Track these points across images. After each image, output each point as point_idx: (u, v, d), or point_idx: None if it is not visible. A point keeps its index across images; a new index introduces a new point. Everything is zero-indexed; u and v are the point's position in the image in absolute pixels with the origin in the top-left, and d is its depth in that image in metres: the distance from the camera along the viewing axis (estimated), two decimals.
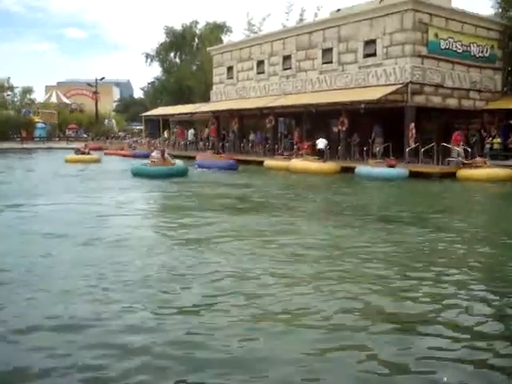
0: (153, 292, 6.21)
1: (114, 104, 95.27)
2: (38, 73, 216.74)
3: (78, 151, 32.45)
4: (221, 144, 35.45)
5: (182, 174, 22.13)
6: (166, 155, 22.99)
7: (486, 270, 7.58)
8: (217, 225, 10.60)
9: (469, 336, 4.99)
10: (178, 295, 6.13)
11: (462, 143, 23.42)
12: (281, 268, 7.25)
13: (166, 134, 45.24)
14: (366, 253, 8.17)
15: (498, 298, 6.17)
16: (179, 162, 23.87)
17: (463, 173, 21.38)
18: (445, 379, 4.11)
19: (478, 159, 22.27)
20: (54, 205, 13.45)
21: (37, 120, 67.05)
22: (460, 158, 22.78)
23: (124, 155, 38.65)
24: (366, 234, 9.82)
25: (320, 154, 25.82)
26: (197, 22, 63.87)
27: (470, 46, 27.41)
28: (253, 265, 7.37)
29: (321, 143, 26.31)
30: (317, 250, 8.35)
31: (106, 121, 75.64)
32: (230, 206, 13.88)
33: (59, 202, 13.86)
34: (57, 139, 64.86)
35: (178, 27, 63.44)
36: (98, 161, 31.38)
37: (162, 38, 64.64)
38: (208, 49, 43.20)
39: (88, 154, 32.21)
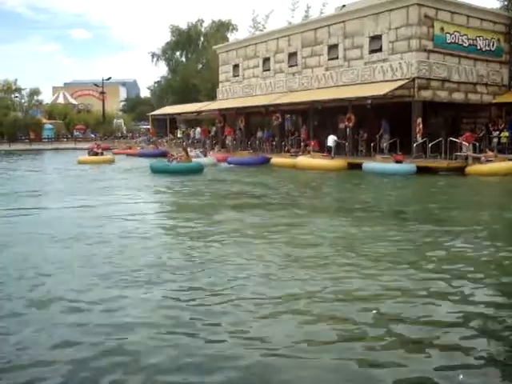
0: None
1: (121, 104, 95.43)
2: (44, 74, 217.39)
3: (90, 151, 31.86)
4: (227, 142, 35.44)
5: (198, 171, 23.25)
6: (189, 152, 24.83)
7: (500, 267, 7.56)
8: (230, 222, 10.72)
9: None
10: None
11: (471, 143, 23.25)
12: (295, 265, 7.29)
13: (179, 134, 45.11)
14: (377, 249, 8.20)
15: None
16: (210, 159, 27.65)
17: (472, 168, 21.31)
18: (461, 376, 4.11)
19: (490, 153, 22.14)
20: (105, 205, 13.50)
21: (45, 121, 67.35)
22: (470, 153, 22.66)
23: (131, 154, 38.91)
24: (378, 230, 9.82)
25: (329, 151, 26.04)
26: (202, 21, 63.98)
27: (476, 39, 27.27)
28: (270, 267, 7.37)
29: (330, 140, 26.37)
30: (331, 247, 8.38)
31: (115, 121, 75.83)
32: (241, 204, 13.94)
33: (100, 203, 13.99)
34: (64, 140, 65.07)
35: (183, 26, 63.59)
36: (111, 161, 30.88)
37: (168, 37, 64.82)
38: (214, 47, 43.23)
39: (101, 154, 31.70)
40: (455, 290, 6.21)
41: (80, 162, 30.11)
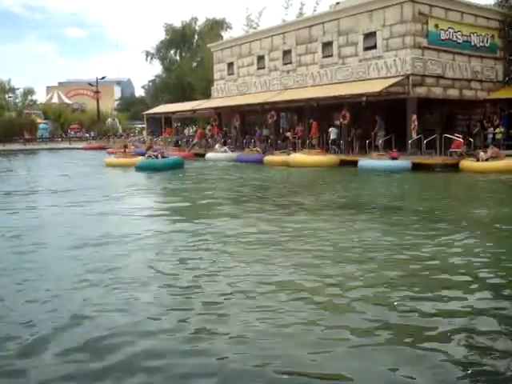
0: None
1: (116, 103, 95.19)
2: (39, 73, 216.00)
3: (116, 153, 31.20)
4: (223, 140, 35.38)
5: (179, 165, 24.87)
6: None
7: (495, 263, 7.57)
8: (225, 222, 10.69)
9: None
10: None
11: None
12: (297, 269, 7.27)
13: (188, 131, 44.93)
14: (376, 246, 8.20)
15: None
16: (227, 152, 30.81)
17: (465, 164, 21.33)
18: None
19: (496, 149, 21.88)
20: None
21: (39, 121, 67.14)
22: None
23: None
24: (375, 228, 9.81)
25: (334, 144, 27.07)
26: (196, 19, 64.02)
27: (470, 36, 27.31)
28: (270, 270, 7.31)
29: (333, 133, 26.62)
30: (332, 247, 8.33)
31: (109, 120, 75.68)
32: (235, 201, 13.92)
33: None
34: (59, 140, 64.89)
35: (177, 24, 63.58)
36: None
37: (162, 35, 64.75)
38: (208, 45, 43.15)
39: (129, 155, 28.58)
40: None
41: (108, 165, 27.94)
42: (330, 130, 27.98)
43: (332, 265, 7.17)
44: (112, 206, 13.31)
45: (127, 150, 30.15)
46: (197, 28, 63.63)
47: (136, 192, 16.68)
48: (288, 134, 30.66)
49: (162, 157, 25.24)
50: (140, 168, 24.30)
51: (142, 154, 27.39)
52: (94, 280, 6.59)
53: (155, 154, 25.37)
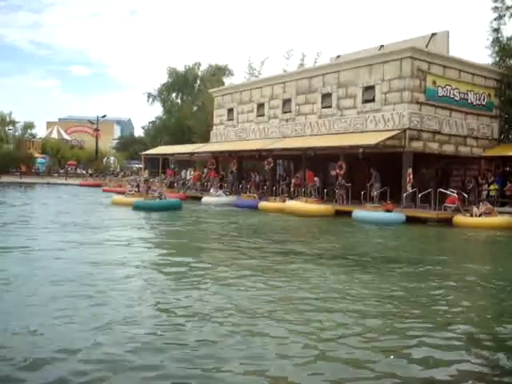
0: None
1: (114, 142, 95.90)
2: (40, 108, 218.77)
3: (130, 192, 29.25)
4: (219, 184, 35.54)
5: (176, 207, 25.39)
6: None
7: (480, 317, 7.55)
8: (217, 267, 10.63)
9: None
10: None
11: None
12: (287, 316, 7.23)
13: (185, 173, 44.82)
14: (367, 298, 8.16)
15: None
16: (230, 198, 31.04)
17: (459, 219, 21.47)
18: None
19: (489, 205, 22.13)
20: None
21: (37, 155, 67.54)
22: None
23: (121, 192, 38.77)
24: (367, 279, 9.80)
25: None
26: (199, 64, 65.13)
27: (467, 93, 27.78)
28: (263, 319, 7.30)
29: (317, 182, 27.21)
30: (322, 299, 8.28)
31: (106, 158, 76.17)
32: (228, 248, 13.88)
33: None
34: (56, 175, 65.11)
35: (180, 68, 64.63)
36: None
37: (165, 78, 65.74)
38: (209, 90, 43.71)
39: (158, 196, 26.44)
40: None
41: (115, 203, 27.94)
42: (316, 178, 28.75)
43: (319, 314, 7.14)
44: (97, 238, 13.27)
45: (150, 192, 27.68)
46: (199, 73, 64.66)
47: (127, 230, 16.69)
48: (293, 180, 30.68)
49: (160, 198, 25.64)
50: (137, 207, 24.50)
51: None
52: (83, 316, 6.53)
53: (157, 195, 25.85)
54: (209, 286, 8.82)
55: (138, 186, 30.15)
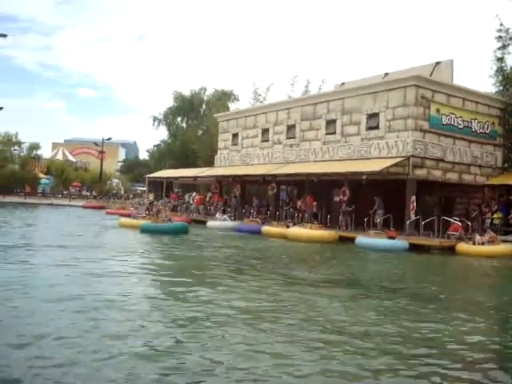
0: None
1: (119, 164, 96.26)
2: (46, 129, 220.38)
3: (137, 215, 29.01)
4: (222, 208, 35.57)
5: (183, 231, 25.11)
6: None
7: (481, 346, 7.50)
8: (219, 295, 10.60)
9: None
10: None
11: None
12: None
13: (189, 197, 44.71)
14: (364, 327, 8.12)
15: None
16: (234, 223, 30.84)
17: (462, 247, 21.43)
18: None
19: (492, 234, 22.18)
20: None
21: (41, 175, 67.84)
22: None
23: (125, 215, 38.75)
24: (370, 307, 9.77)
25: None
26: (205, 89, 65.69)
27: (471, 122, 27.89)
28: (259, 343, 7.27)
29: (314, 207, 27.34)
30: (325, 328, 8.25)
31: (112, 180, 76.42)
32: (232, 272, 13.84)
33: None
34: (60, 196, 65.29)
35: (186, 93, 65.17)
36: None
37: (171, 102, 66.31)
38: (215, 115, 44.01)
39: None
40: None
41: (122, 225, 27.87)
42: (314, 203, 29.09)
43: (318, 343, 7.10)
44: (104, 266, 13.24)
45: (160, 215, 27.26)
46: (205, 97, 65.12)
47: (133, 253, 16.67)
48: (299, 202, 30.73)
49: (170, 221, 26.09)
50: (145, 230, 24.54)
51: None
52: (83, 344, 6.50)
53: (167, 218, 26.35)
54: (212, 312, 8.78)
55: (147, 209, 30.16)
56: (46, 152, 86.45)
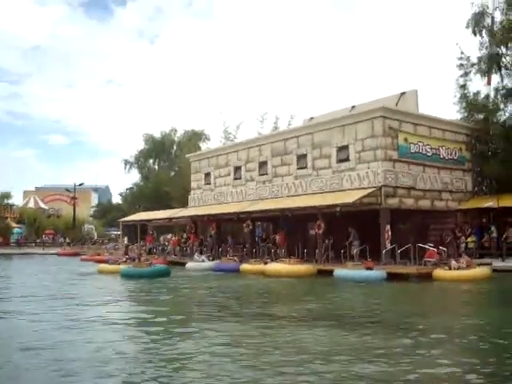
0: None
1: (92, 209, 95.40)
2: (17, 178, 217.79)
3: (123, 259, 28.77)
4: (199, 248, 35.34)
5: (165, 274, 24.59)
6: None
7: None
8: (199, 334, 10.49)
9: None
10: None
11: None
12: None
13: (164, 239, 44.35)
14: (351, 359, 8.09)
15: None
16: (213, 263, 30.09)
17: (438, 273, 21.57)
18: None
19: (467, 258, 22.38)
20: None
21: (14, 225, 66.84)
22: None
23: (100, 261, 38.20)
24: (353, 339, 9.74)
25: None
26: (175, 130, 66.11)
27: (438, 149, 28.37)
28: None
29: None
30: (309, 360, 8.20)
31: (86, 226, 75.58)
32: (210, 314, 13.71)
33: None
34: (33, 245, 64.28)
35: (157, 135, 65.43)
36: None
37: (142, 145, 66.31)
38: (186, 156, 44.10)
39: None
40: None
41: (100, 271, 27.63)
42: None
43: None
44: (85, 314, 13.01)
45: (142, 259, 28.02)
46: (176, 138, 65.44)
47: (112, 300, 16.42)
48: (277, 237, 30.71)
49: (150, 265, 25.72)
50: (126, 275, 24.13)
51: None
52: None
53: (148, 262, 26.44)
54: (193, 354, 8.67)
55: (126, 253, 29.92)
56: (17, 200, 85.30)
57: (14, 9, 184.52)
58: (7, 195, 71.42)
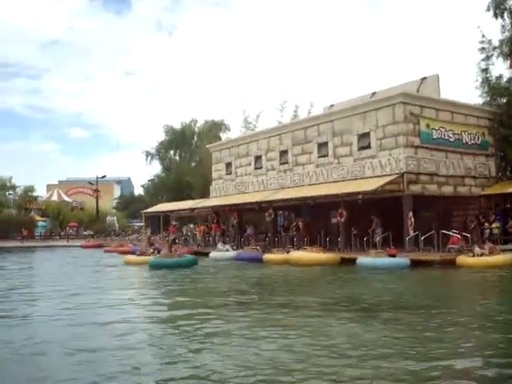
0: None
1: (115, 201, 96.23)
2: (40, 172, 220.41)
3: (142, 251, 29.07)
4: (221, 238, 35.49)
5: (192, 264, 24.92)
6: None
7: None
8: (223, 321, 10.60)
9: None
10: None
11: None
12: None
13: (187, 229, 44.44)
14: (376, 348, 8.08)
15: None
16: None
17: (462, 260, 21.40)
18: None
19: (491, 245, 22.17)
20: None
21: (38, 218, 67.68)
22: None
23: (123, 252, 38.54)
24: (377, 328, 9.75)
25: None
26: (196, 121, 66.13)
27: (461, 134, 28.07)
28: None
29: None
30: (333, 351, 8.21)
31: (108, 218, 76.27)
32: (237, 301, 13.79)
33: None
34: (57, 237, 65.07)
35: (177, 126, 65.61)
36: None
37: (162, 136, 66.54)
38: (207, 146, 44.18)
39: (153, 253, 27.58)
40: None
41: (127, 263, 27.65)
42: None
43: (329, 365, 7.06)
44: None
45: (173, 250, 27.67)
46: (196, 129, 65.52)
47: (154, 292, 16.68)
48: (300, 223, 30.53)
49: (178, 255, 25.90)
50: (154, 266, 24.28)
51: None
52: None
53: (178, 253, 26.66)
54: (220, 343, 8.76)
55: (151, 245, 30.22)
56: (40, 194, 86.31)
57: (31, 3, 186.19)
58: (31, 189, 72.34)
